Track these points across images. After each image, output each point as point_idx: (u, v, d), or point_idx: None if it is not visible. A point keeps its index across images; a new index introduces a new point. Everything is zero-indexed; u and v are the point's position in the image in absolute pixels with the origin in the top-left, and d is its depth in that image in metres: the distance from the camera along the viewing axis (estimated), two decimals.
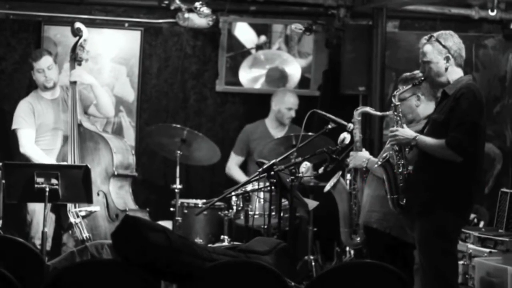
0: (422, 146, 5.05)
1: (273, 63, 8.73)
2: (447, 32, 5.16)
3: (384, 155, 5.31)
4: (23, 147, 6.81)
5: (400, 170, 5.18)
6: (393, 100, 5.28)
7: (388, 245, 5.60)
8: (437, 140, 4.98)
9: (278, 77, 8.70)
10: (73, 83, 6.85)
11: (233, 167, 8.03)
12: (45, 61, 6.87)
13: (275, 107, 8.02)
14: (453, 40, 5.11)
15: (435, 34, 5.13)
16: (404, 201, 5.16)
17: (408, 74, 5.68)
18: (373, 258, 5.51)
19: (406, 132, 5.14)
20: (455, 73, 5.11)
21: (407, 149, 5.20)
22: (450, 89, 5.08)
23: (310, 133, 6.62)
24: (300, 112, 7.71)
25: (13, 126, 6.89)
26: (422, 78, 5.19)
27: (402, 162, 5.19)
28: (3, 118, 7.74)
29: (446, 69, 5.09)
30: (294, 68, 8.73)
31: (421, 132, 5.20)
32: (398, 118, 5.22)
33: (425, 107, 5.60)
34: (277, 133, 7.97)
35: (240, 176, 7.82)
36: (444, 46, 5.08)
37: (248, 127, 8.13)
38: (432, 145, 5.01)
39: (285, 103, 7.98)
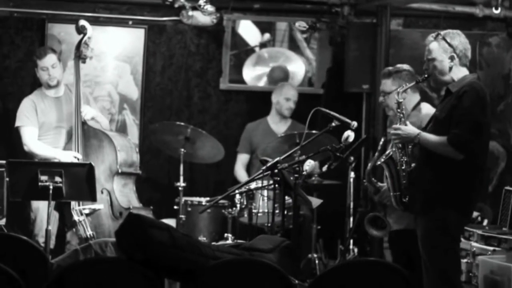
0: (425, 143, 5.06)
1: (277, 61, 8.73)
2: (454, 31, 5.15)
3: (387, 152, 5.32)
4: (26, 145, 6.81)
5: (403, 167, 5.19)
6: (396, 97, 5.28)
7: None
8: (439, 137, 4.99)
9: (281, 77, 8.70)
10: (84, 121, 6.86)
11: (239, 168, 8.00)
12: (49, 59, 6.86)
13: (274, 100, 8.05)
14: (459, 39, 5.11)
15: (442, 32, 5.12)
16: (407, 198, 5.17)
17: (391, 68, 5.75)
18: (398, 261, 5.56)
19: (409, 129, 5.14)
20: (459, 72, 5.11)
21: (409, 146, 5.21)
22: (453, 87, 5.09)
23: (314, 131, 6.62)
24: (304, 110, 7.70)
25: (16, 124, 6.90)
26: (426, 76, 5.19)
27: (405, 159, 5.19)
28: (7, 116, 7.75)
29: (451, 68, 5.09)
30: (297, 66, 8.73)
31: (424, 128, 5.21)
32: (402, 115, 5.23)
33: (410, 99, 5.66)
34: (279, 128, 7.97)
35: (243, 179, 7.76)
36: (450, 45, 5.07)
37: (250, 125, 8.13)
38: (434, 142, 5.01)
39: (283, 94, 8.00)
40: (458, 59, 5.08)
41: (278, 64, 8.74)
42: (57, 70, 6.90)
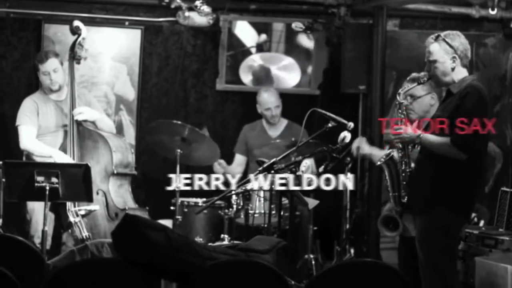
0: (426, 144, 5.05)
1: (272, 64, 8.73)
2: (454, 32, 5.16)
3: (387, 152, 5.32)
4: (22, 143, 6.79)
5: (403, 168, 5.19)
6: (397, 98, 5.28)
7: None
8: (441, 138, 4.98)
9: (264, 76, 8.68)
10: (79, 122, 6.81)
11: (235, 168, 7.94)
12: (50, 64, 6.81)
13: (259, 110, 7.94)
14: (460, 40, 5.11)
15: (442, 34, 5.12)
16: (406, 199, 5.17)
17: (415, 74, 5.70)
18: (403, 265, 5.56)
19: (410, 130, 5.14)
20: (460, 73, 5.11)
21: (410, 147, 5.20)
22: (455, 88, 5.09)
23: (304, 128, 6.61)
24: (301, 110, 7.70)
25: (16, 123, 6.88)
26: (428, 77, 5.18)
27: (405, 160, 5.19)
28: (2, 116, 7.73)
29: (453, 69, 5.09)
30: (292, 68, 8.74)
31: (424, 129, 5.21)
32: (402, 116, 5.22)
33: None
34: (273, 132, 7.92)
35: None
36: (451, 46, 5.08)
37: (246, 126, 8.09)
38: (436, 143, 5.00)
39: (262, 105, 7.87)
40: (459, 60, 5.09)
41: (260, 66, 8.71)
42: (59, 75, 6.85)
